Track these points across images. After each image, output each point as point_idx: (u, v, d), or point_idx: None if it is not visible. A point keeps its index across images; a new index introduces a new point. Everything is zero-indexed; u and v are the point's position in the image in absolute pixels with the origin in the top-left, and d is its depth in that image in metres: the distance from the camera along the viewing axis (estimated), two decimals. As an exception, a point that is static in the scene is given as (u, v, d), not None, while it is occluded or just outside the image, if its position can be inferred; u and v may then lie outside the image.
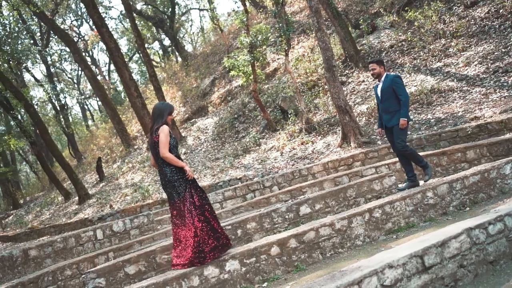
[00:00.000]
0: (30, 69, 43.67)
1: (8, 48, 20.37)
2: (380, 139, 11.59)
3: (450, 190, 6.60)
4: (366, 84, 15.54)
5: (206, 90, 27.51)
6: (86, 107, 53.93)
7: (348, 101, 15.23)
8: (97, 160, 23.40)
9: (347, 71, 16.95)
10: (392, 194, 8.20)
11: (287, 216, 7.66)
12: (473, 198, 6.65)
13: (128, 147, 25.81)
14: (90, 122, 51.32)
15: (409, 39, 15.68)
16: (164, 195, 14.48)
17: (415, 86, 13.25)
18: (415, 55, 14.93)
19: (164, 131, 5.48)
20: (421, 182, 7.44)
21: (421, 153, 9.52)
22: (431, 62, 14.04)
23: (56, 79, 51.68)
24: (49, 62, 39.76)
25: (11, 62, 25.44)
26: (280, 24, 14.89)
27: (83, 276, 6.26)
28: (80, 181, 20.53)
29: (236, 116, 19.82)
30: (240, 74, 17.06)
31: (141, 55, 24.18)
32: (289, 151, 13.94)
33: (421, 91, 12.56)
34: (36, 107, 43.46)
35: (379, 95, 7.16)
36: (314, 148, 13.07)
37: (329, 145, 12.82)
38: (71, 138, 37.84)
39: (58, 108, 38.65)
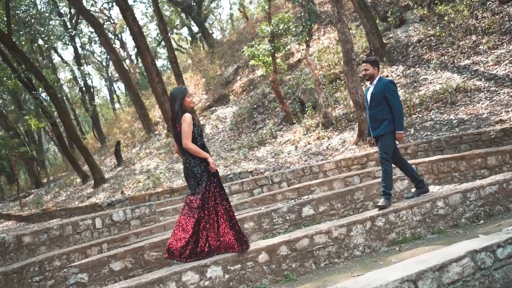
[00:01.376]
0: (59, 50, 44.11)
1: (38, 28, 20.37)
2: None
3: (463, 200, 6.05)
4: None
5: (229, 79, 27.09)
6: (113, 90, 54.28)
7: (370, 96, 14.61)
8: (116, 144, 23.33)
9: (371, 65, 16.25)
10: (403, 199, 7.69)
11: (288, 217, 7.24)
12: (489, 210, 6.08)
13: (149, 132, 25.68)
14: (117, 106, 51.58)
15: (438, 34, 14.90)
16: (174, 185, 14.20)
17: (440, 83, 12.55)
18: (443, 51, 14.18)
19: (186, 121, 5.21)
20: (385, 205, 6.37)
21: (439, 156, 8.93)
22: (459, 59, 13.29)
23: (84, 61, 52.20)
24: (78, 44, 40.02)
25: (40, 43, 25.60)
26: (303, 13, 14.32)
27: (65, 270, 5.98)
28: (96, 165, 20.48)
29: (255, 106, 19.38)
30: (260, 63, 16.58)
31: (163, 40, 23.79)
32: (304, 146, 13.45)
33: (446, 90, 11.87)
34: (65, 88, 44.08)
35: (369, 100, 6.40)
36: (329, 144, 12.54)
37: (344, 141, 12.28)
38: (95, 120, 38.08)
39: (84, 90, 38.98)
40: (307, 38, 14.66)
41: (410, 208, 5.85)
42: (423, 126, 11.05)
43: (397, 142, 6.46)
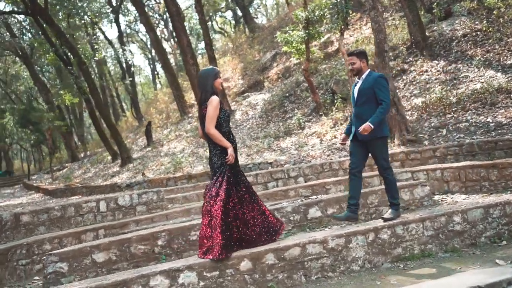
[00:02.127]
0: (104, 27, 44.56)
1: (75, 3, 20.39)
2: (428, 138, 10.20)
3: (485, 216, 5.34)
4: (428, 75, 13.93)
5: (266, 65, 26.51)
6: (155, 70, 54.62)
7: (405, 91, 13.77)
8: (147, 124, 23.25)
9: (410, 59, 15.35)
10: (422, 208, 7.01)
11: (292, 218, 6.70)
12: (514, 230, 5.36)
13: (183, 114, 25.48)
14: (158, 86, 51.83)
15: (485, 29, 13.82)
16: (194, 171, 13.86)
17: (481, 82, 11.59)
18: (489, 48, 13.12)
19: (213, 104, 4.82)
20: (386, 216, 5.64)
21: (469, 162, 8.13)
22: (505, 57, 12.24)
23: (129, 39, 52.60)
24: (124, 23, 40.32)
25: (85, 20, 25.71)
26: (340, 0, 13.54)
27: (44, 257, 5.66)
28: (124, 144, 20.42)
29: (287, 94, 18.76)
30: (293, 50, 15.92)
31: (199, 21, 23.39)
32: (329, 140, 12.78)
33: (487, 89, 10.92)
34: (109, 65, 44.53)
35: (355, 96, 5.58)
36: (355, 140, 11.81)
37: (370, 138, 11.51)
38: (134, 99, 38.34)
39: (125, 68, 39.25)
40: (342, 26, 13.88)
41: (422, 221, 5.20)
42: (456, 127, 10.20)
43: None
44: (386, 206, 7.00)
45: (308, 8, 15.00)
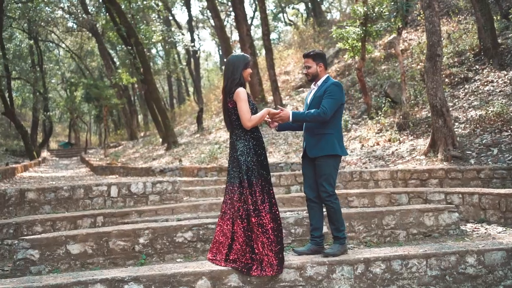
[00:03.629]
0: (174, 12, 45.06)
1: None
2: (476, 157, 9.07)
3: (506, 261, 4.45)
4: (493, 86, 12.60)
5: (327, 61, 25.61)
6: (223, 57, 54.75)
7: (464, 102, 12.53)
8: (199, 110, 23.12)
9: (476, 66, 14.00)
10: (447, 236, 6.13)
11: (293, 230, 6.03)
12: (541, 282, 4.42)
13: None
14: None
15: None
16: (226, 163, 13.36)
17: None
18: None
19: (241, 97, 4.34)
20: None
21: (500, 190, 7.04)
22: None
23: (201, 25, 53.10)
24: (196, 8, 40.53)
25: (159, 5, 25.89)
26: (401, -5, 12.45)
27: (15, 242, 5.36)
28: (172, 128, 20.36)
29: (341, 93, 17.83)
30: (348, 47, 14.99)
31: (259, 9, 22.83)
32: (371, 146, 11.85)
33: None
34: (180, 49, 45.09)
35: (308, 105, 4.75)
36: (397, 149, 10.83)
37: (414, 149, 10.50)
38: (197, 84, 38.59)
39: (191, 53, 39.55)
40: (400, 26, 12.81)
41: (426, 257, 4.40)
42: (510, 147, 9.01)
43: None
44: (404, 229, 6.19)
45: (368, 3, 14.01)
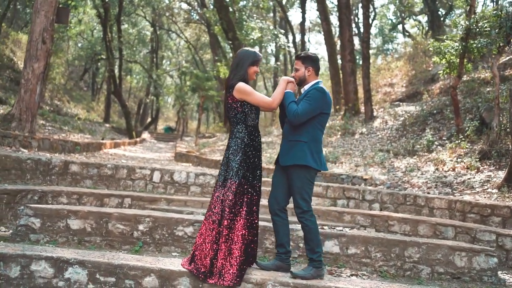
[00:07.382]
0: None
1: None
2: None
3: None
4: None
5: (434, 77, 24.01)
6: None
7: None
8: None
9: None
10: (480, 283, 5.31)
11: (301, 244, 5.60)
12: None
13: (339, 110, 24.44)
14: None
15: None
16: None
17: None
18: None
19: (246, 91, 4.21)
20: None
21: None
22: None
23: (317, 28, 52.75)
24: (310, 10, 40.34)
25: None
26: (504, 11, 11.16)
27: (20, 208, 5.52)
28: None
29: (435, 112, 16.57)
30: (444, 63, 13.82)
31: (363, 17, 21.91)
32: (446, 171, 10.75)
33: None
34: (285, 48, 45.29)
35: None
36: (470, 179, 9.69)
37: (489, 181, 9.32)
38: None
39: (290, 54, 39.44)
40: (501, 44, 11.49)
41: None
42: None
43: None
44: (429, 266, 5.47)
45: (473, 17, 12.76)
